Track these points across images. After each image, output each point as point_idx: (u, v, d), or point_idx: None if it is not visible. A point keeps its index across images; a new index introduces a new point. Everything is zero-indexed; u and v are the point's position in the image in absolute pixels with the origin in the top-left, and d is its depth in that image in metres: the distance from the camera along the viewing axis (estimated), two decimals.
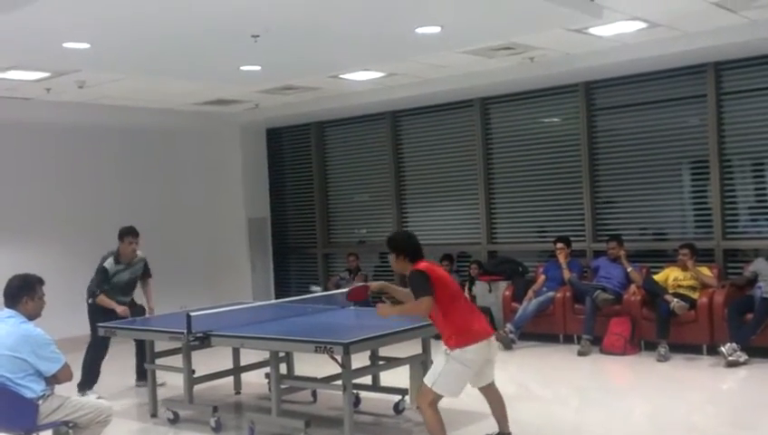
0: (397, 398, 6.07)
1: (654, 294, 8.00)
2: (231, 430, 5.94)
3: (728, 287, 7.89)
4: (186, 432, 6.03)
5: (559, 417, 6.14)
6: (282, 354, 6.23)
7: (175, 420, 6.17)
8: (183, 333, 5.69)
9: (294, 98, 10.35)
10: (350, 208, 11.63)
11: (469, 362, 4.68)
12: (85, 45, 6.73)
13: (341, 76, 9.04)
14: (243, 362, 6.90)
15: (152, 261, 7.73)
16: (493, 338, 4.87)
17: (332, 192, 11.78)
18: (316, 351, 5.08)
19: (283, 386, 5.74)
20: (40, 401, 4.46)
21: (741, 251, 8.45)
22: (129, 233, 7.26)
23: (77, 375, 6.83)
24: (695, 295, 7.87)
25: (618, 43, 7.82)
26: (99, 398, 6.75)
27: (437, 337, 5.02)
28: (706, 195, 8.55)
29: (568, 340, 8.60)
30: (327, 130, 11.76)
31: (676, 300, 7.72)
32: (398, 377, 6.08)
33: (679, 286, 7.97)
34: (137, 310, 7.36)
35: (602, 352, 8.05)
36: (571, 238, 9.06)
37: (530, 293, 8.83)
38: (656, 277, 8.19)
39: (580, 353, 8.05)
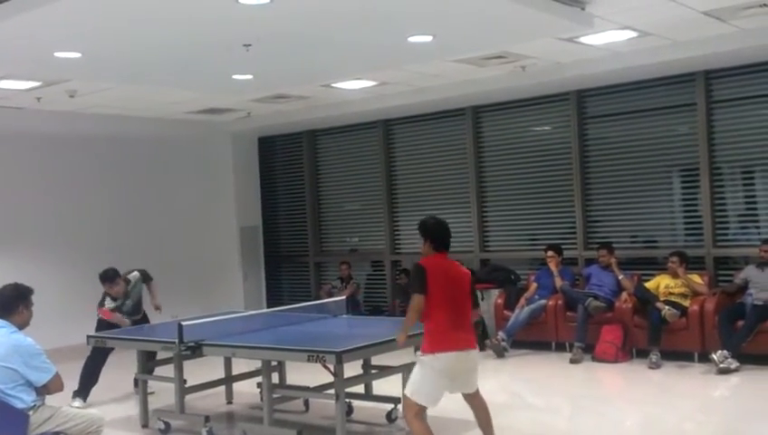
0: (389, 407, 6.06)
1: (645, 301, 8.02)
2: None
3: (719, 295, 7.93)
4: None
5: (551, 425, 6.15)
6: (274, 363, 6.20)
7: (166, 431, 6.13)
8: (174, 342, 5.67)
9: (286, 106, 10.36)
10: (341, 217, 11.63)
11: (441, 370, 4.58)
12: (76, 55, 6.72)
13: (333, 85, 9.06)
14: (235, 372, 6.88)
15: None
16: (472, 351, 4.70)
17: (324, 201, 11.78)
18: (308, 360, 5.07)
19: (275, 395, 5.73)
20: (30, 412, 4.44)
21: (731, 259, 8.49)
22: (105, 280, 7.21)
23: (73, 384, 6.84)
24: (686, 303, 7.90)
25: (608, 52, 7.86)
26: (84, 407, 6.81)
27: None
28: (697, 203, 8.59)
29: (560, 347, 8.61)
30: (319, 139, 11.77)
31: (667, 307, 7.74)
32: (390, 386, 6.06)
33: (670, 294, 8.00)
34: (143, 320, 7.46)
35: (594, 359, 8.06)
36: (563, 246, 9.09)
37: (522, 300, 8.84)
38: (647, 285, 8.22)
39: (573, 361, 8.06)
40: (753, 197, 8.47)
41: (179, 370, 6.05)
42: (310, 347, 5.24)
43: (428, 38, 6.76)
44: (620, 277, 8.40)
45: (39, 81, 7.98)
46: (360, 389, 6.16)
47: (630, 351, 8.10)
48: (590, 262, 8.98)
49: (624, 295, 8.29)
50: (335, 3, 5.66)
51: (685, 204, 8.88)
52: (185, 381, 6.12)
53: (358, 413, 6.27)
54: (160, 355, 6.28)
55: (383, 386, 6.18)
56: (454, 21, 6.28)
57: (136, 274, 7.53)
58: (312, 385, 5.88)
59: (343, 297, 7.86)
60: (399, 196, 10.91)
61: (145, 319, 7.49)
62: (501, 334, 8.58)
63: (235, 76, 8.03)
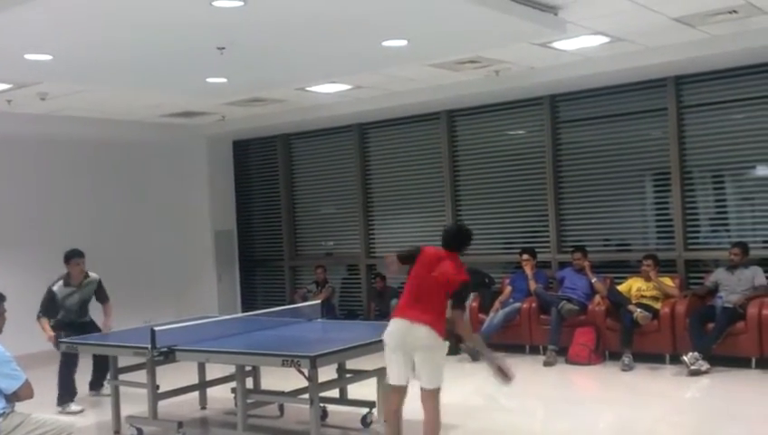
0: (364, 411, 6.06)
1: (618, 304, 8.10)
2: None
3: (690, 297, 8.02)
4: None
5: (525, 428, 6.18)
6: (248, 368, 6.17)
7: None
8: (147, 348, 5.62)
9: (261, 110, 10.32)
10: (317, 221, 11.61)
11: (387, 337, 4.76)
12: (47, 57, 6.64)
13: (308, 88, 9.05)
14: (208, 377, 6.83)
15: (117, 274, 7.66)
16: (421, 326, 4.66)
17: (299, 204, 11.75)
18: (283, 364, 5.06)
19: (249, 401, 5.70)
20: (0, 419, 4.37)
21: (702, 262, 8.60)
22: (74, 255, 7.26)
23: (44, 390, 6.76)
24: (657, 305, 7.98)
25: (581, 57, 7.94)
26: (81, 410, 7.00)
27: None
28: (668, 206, 8.70)
29: (534, 350, 8.66)
30: (294, 143, 11.74)
31: (639, 310, 7.82)
32: (365, 390, 6.07)
33: (642, 297, 8.08)
34: (92, 328, 7.31)
35: (568, 362, 8.12)
36: (536, 249, 9.15)
37: (496, 304, 8.89)
38: (619, 288, 8.30)
39: (546, 364, 8.12)
40: (724, 200, 8.59)
41: (152, 375, 6.00)
42: (284, 352, 5.22)
43: (403, 42, 6.77)
44: (593, 280, 8.47)
45: (9, 83, 7.88)
46: (334, 393, 6.14)
47: (603, 353, 8.17)
48: (563, 265, 9.05)
49: (597, 298, 8.36)
50: (309, 6, 5.65)
51: (656, 207, 8.99)
52: (158, 387, 6.07)
53: (333, 418, 6.26)
54: (133, 361, 6.21)
55: (358, 390, 6.18)
56: (428, 25, 6.30)
57: (96, 275, 7.45)
58: (286, 390, 5.86)
59: (318, 301, 7.84)
60: (375, 200, 10.91)
61: (93, 325, 7.36)
62: None
63: (210, 79, 7.99)
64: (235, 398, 6.03)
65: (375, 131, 10.86)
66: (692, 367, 7.25)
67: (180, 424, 5.87)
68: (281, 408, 6.56)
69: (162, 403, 6.20)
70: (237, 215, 12.22)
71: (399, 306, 4.89)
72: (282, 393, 5.96)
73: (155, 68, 7.33)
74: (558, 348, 8.23)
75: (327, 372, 5.61)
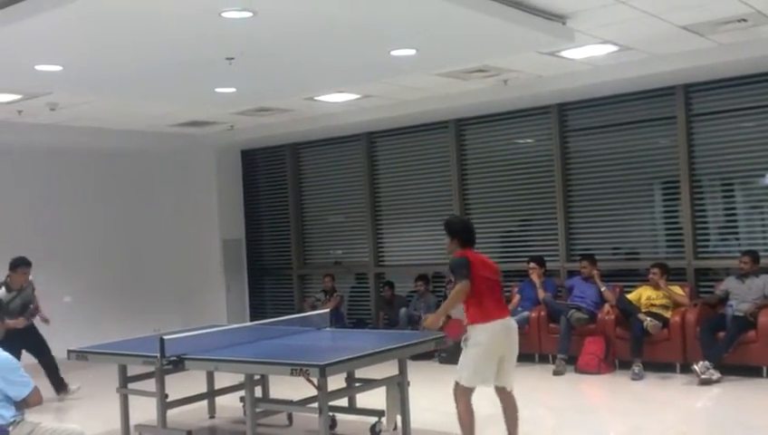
0: (373, 420, 6.04)
1: (627, 313, 8.07)
2: None
3: (700, 306, 7.98)
4: None
5: None
6: (257, 377, 6.17)
7: None
8: (156, 356, 5.62)
9: (269, 119, 10.35)
10: (325, 229, 11.62)
11: (483, 342, 4.86)
12: (57, 68, 6.69)
13: (317, 98, 9.07)
14: (217, 386, 6.82)
15: (126, 283, 7.75)
16: (510, 322, 5.06)
17: (308, 213, 11.77)
18: (292, 373, 5.05)
19: (258, 410, 5.69)
20: (10, 428, 4.38)
21: (712, 270, 8.57)
22: (23, 263, 7.64)
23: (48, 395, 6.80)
24: (667, 314, 7.95)
25: (589, 65, 7.94)
26: (78, 387, 7.77)
27: (415, 358, 5.03)
28: (678, 215, 8.67)
29: (543, 359, 8.63)
30: (302, 152, 11.76)
31: (649, 319, 7.79)
32: (374, 399, 6.05)
33: (652, 305, 8.05)
34: (33, 330, 7.68)
35: (577, 371, 8.09)
36: (545, 258, 9.13)
37: None
38: (629, 296, 8.27)
39: (556, 373, 8.09)
40: (733, 208, 8.56)
41: (161, 384, 6.00)
42: (293, 360, 5.21)
43: (411, 52, 6.79)
44: (602, 289, 8.45)
45: (20, 93, 7.94)
46: (343, 402, 6.13)
47: (613, 362, 8.14)
48: (572, 274, 9.02)
49: (606, 307, 8.33)
50: (318, 17, 5.68)
51: (666, 216, 8.96)
52: (166, 396, 6.07)
53: (341, 427, 6.24)
54: (142, 369, 6.22)
55: (367, 399, 6.16)
56: (436, 35, 6.32)
57: (30, 277, 7.78)
58: (295, 399, 5.86)
59: (327, 310, 7.83)
60: (383, 208, 10.91)
61: (33, 328, 7.67)
62: None
63: (218, 89, 8.02)
64: (243, 407, 6.02)
65: (383, 140, 10.88)
66: (702, 376, 7.21)
67: (189, 433, 5.88)
68: (290, 417, 6.55)
69: (171, 412, 6.19)
70: (246, 223, 12.24)
71: (489, 309, 4.97)
72: (291, 402, 5.95)
73: (164, 78, 7.37)
74: (567, 357, 8.20)
75: (336, 381, 5.60)
